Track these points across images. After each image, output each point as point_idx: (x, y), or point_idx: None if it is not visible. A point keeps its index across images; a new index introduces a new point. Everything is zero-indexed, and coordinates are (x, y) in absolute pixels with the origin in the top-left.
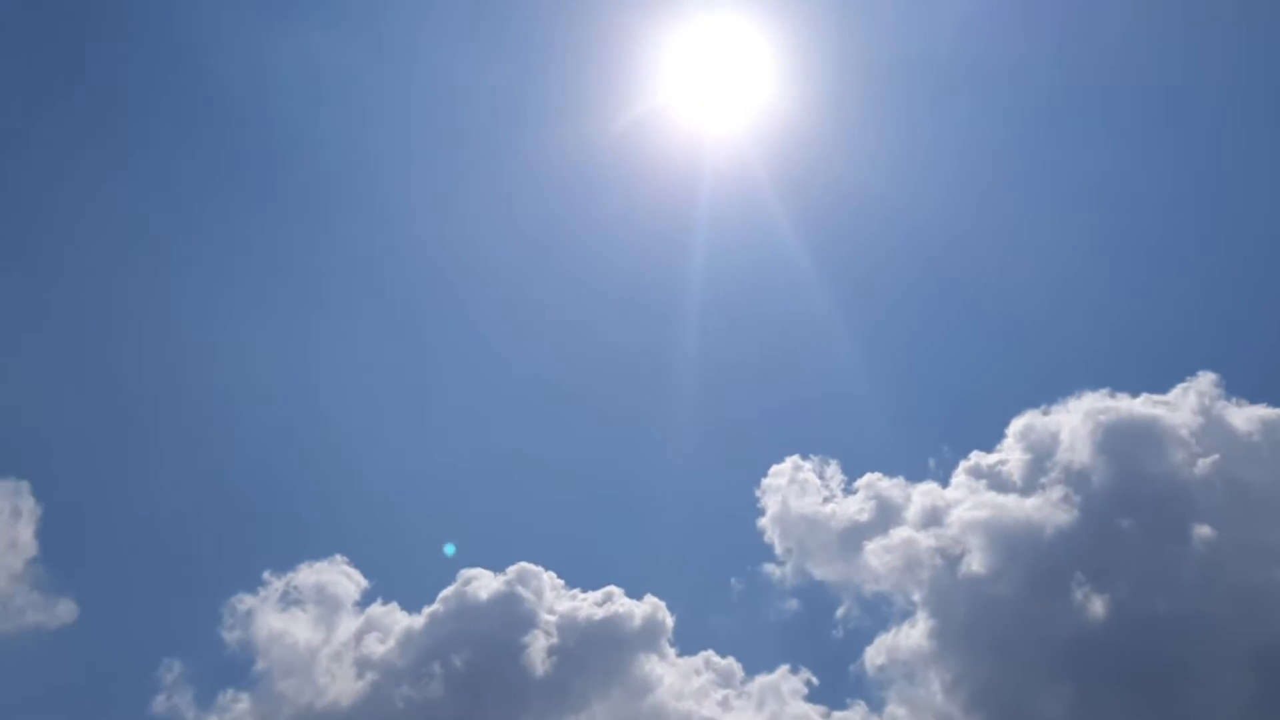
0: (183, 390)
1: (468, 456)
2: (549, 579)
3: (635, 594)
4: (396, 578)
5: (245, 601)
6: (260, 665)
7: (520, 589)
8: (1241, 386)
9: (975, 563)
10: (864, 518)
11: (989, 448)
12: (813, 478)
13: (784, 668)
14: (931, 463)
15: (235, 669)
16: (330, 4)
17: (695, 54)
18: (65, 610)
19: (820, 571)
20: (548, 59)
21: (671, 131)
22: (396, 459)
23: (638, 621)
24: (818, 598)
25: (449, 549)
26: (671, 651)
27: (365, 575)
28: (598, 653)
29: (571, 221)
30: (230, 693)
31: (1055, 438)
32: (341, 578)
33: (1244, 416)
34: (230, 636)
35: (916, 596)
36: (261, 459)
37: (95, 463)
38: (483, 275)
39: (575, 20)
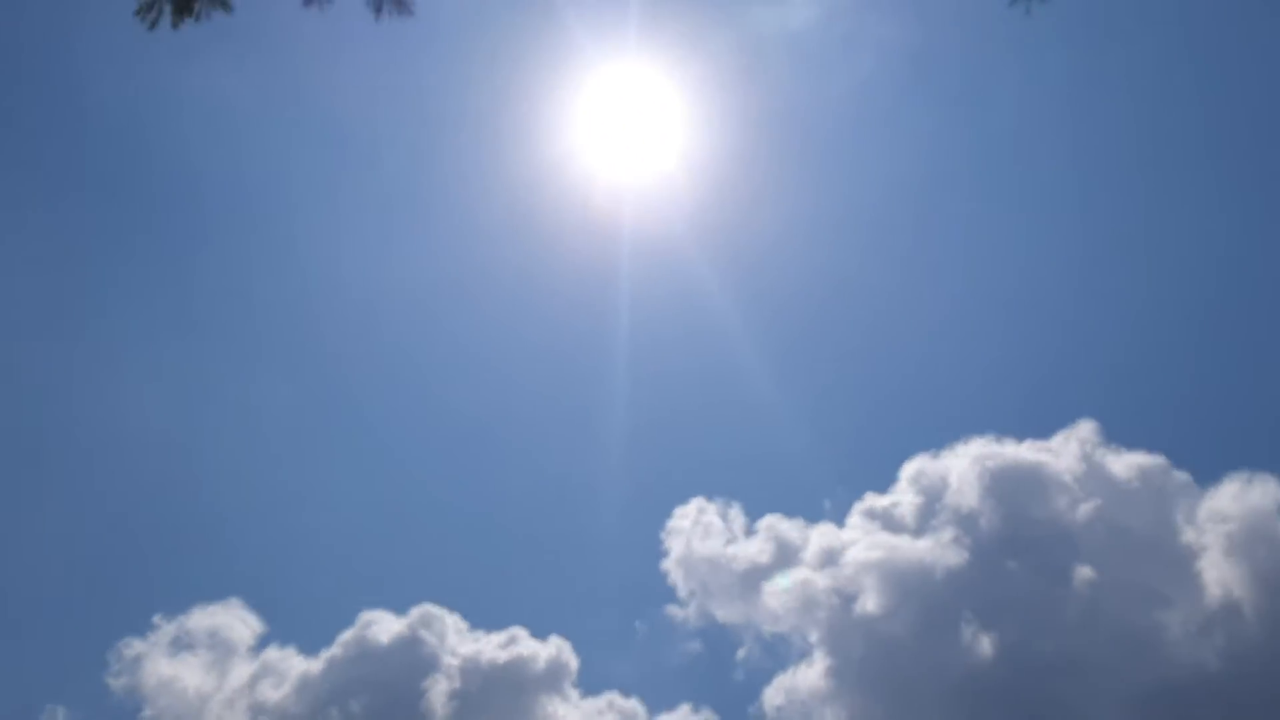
0: (67, 427)
1: (369, 497)
2: (452, 622)
3: (540, 635)
4: (294, 621)
5: (134, 646)
6: (148, 713)
7: (422, 632)
8: (1119, 433)
9: (870, 602)
10: (764, 559)
11: (883, 489)
12: (716, 520)
13: (686, 707)
14: (827, 504)
15: (122, 717)
16: (214, 38)
17: (611, 104)
18: None
19: (722, 613)
20: (462, 107)
21: (589, 180)
22: (295, 499)
23: (541, 663)
24: (719, 639)
25: None
26: (575, 693)
27: (261, 618)
28: (501, 695)
29: (481, 266)
30: None
31: (945, 481)
32: (236, 621)
33: (1123, 463)
34: (117, 683)
35: (814, 636)
36: (152, 499)
37: None
38: (392, 317)
39: (490, 69)
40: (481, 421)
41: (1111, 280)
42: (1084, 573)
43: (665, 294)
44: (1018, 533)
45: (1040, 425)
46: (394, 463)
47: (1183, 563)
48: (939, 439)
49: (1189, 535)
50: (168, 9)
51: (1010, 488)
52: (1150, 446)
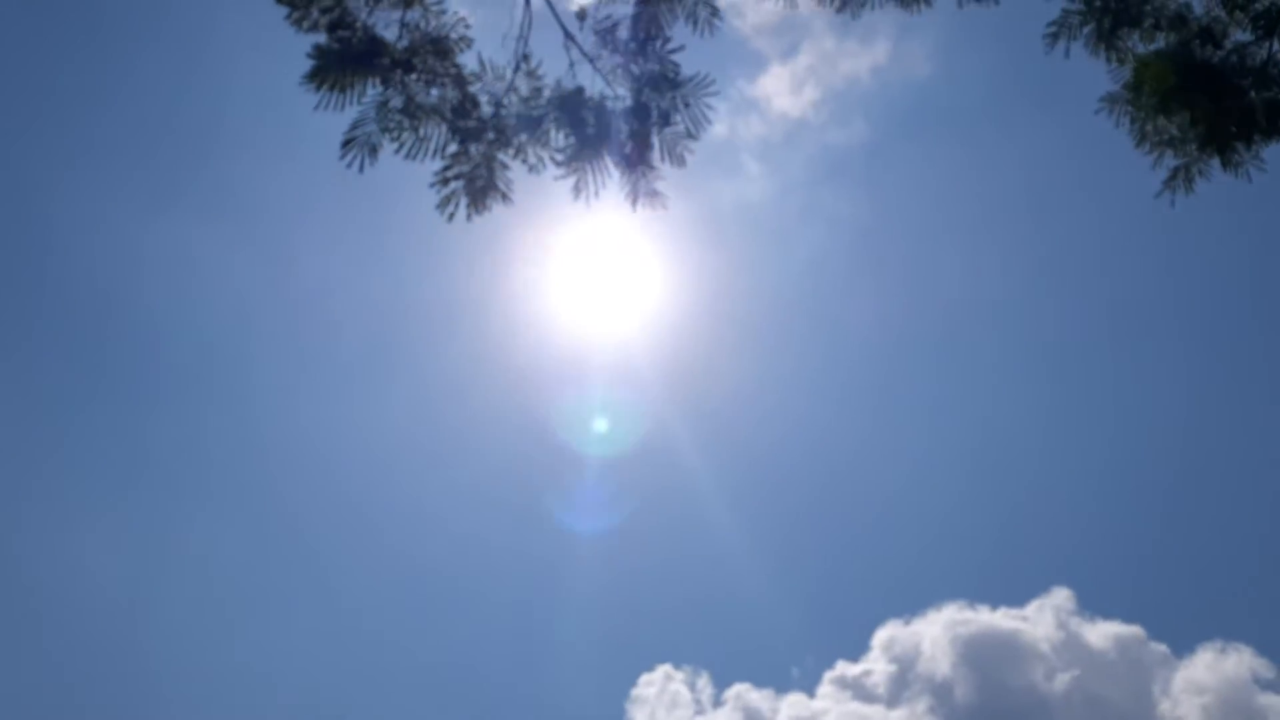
0: (20, 584)
1: (324, 660)
2: None
3: None
4: None
5: None
6: None
7: None
8: (1094, 602)
9: None
10: None
11: (854, 656)
12: (684, 689)
13: None
14: (795, 671)
15: None
16: (178, 193)
17: (582, 259)
18: None
19: None
20: (430, 262)
21: (554, 330)
22: (246, 660)
23: None
24: None
25: None
26: None
27: None
28: None
29: (444, 421)
30: None
31: (918, 649)
32: None
33: (1099, 632)
34: None
35: None
36: (107, 655)
37: None
38: (353, 475)
39: (456, 224)
40: (438, 583)
41: (1081, 442)
42: None
43: (624, 457)
44: (994, 703)
45: (1013, 592)
46: (354, 622)
47: None
48: (911, 605)
49: (1165, 707)
50: (464, 202)
51: (985, 656)
52: (1123, 614)
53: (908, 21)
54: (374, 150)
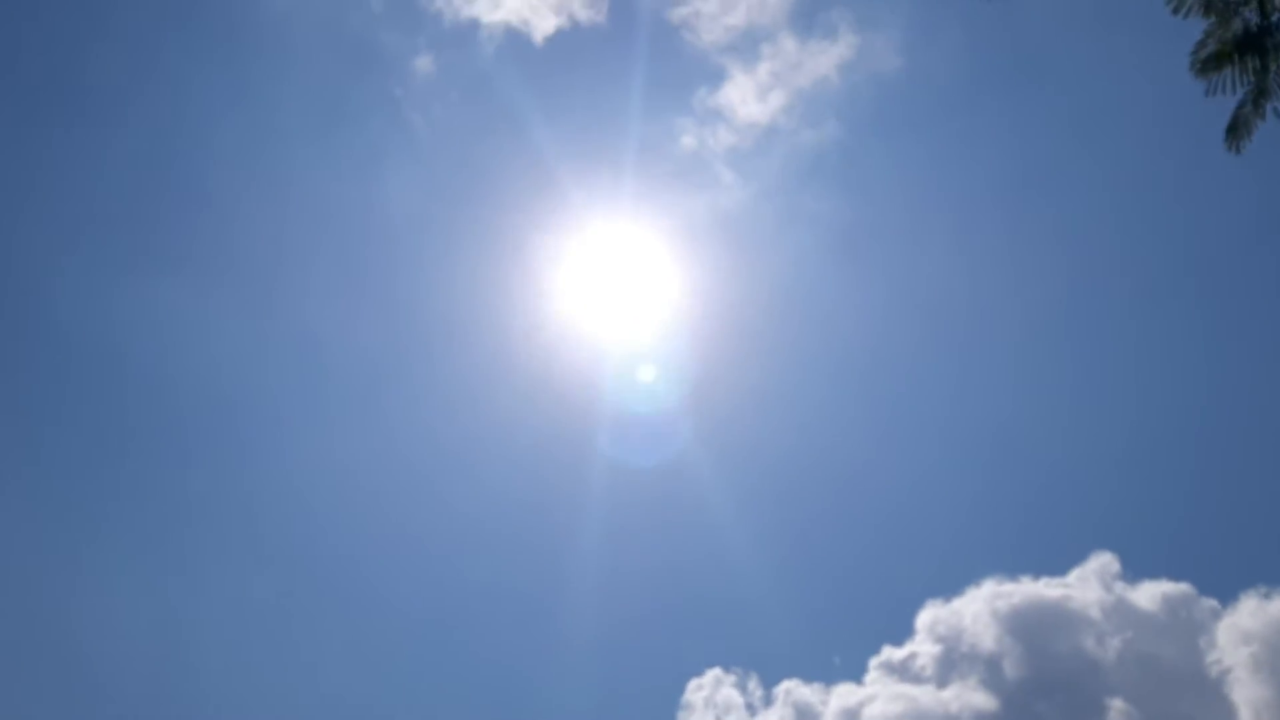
0: (41, 630)
1: (354, 692)
2: None
3: None
4: None
5: None
6: None
7: None
8: (1137, 565)
9: None
10: None
11: (898, 641)
12: (734, 692)
13: None
14: (838, 660)
15: None
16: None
17: (593, 264)
18: None
19: None
20: (437, 273)
21: (569, 343)
22: (274, 693)
23: None
24: None
25: None
26: None
27: None
28: None
29: (467, 435)
30: None
31: (962, 626)
32: None
33: (1146, 594)
34: None
35: None
36: (131, 697)
37: None
38: (380, 496)
39: (468, 232)
40: (477, 599)
41: (1108, 407)
42: (1117, 706)
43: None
44: (1045, 672)
45: (1053, 562)
46: (388, 647)
47: (1214, 689)
48: (951, 585)
49: (1214, 658)
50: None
51: (1031, 627)
52: (1169, 572)
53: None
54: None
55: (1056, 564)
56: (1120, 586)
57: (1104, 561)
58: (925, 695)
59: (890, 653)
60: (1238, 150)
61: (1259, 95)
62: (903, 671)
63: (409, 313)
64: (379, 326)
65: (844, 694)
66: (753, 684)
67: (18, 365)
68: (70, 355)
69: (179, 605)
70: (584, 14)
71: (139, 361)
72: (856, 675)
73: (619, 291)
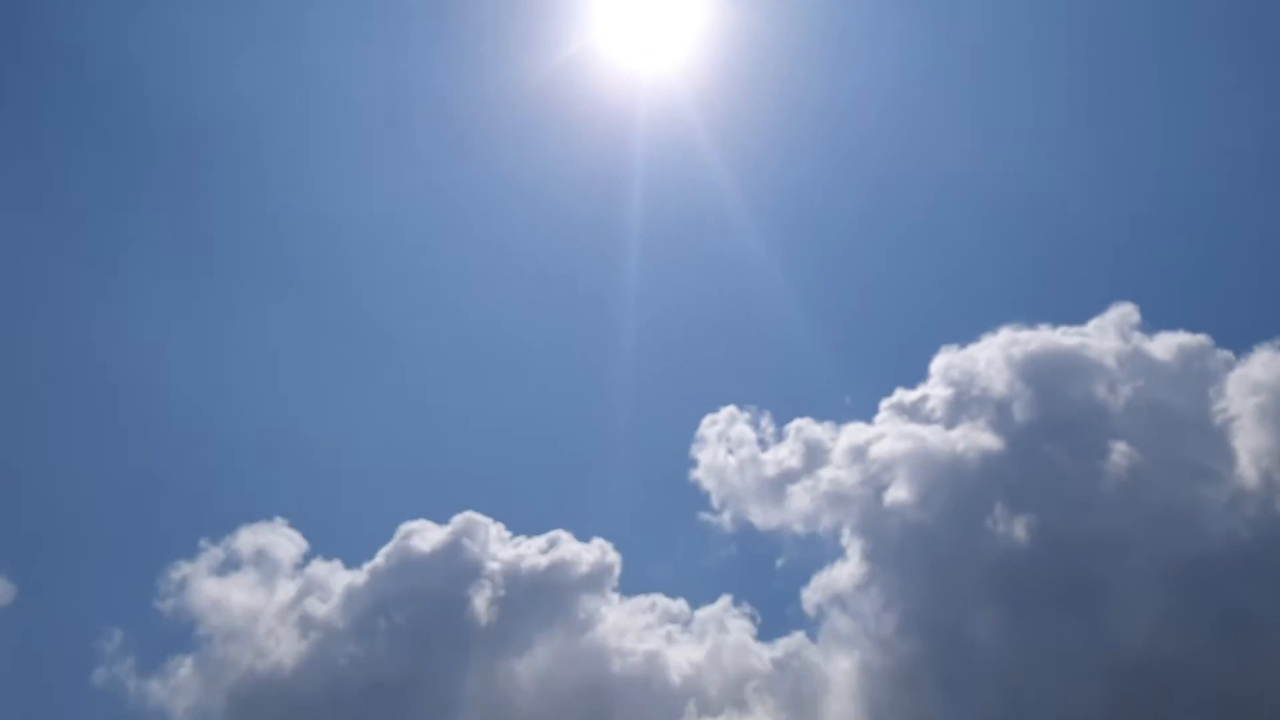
0: (103, 367)
1: (399, 412)
2: (494, 529)
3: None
4: (336, 536)
5: (183, 569)
6: (201, 631)
7: (464, 540)
8: (1158, 316)
9: (902, 492)
10: (795, 462)
11: (911, 385)
12: (747, 429)
13: (726, 599)
14: (848, 400)
15: (176, 637)
16: None
17: None
18: (1, 590)
19: (756, 518)
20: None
21: (601, 73)
22: (329, 418)
23: (584, 566)
24: (755, 544)
25: None
26: (615, 597)
27: (305, 536)
28: (545, 599)
29: (501, 170)
30: (175, 658)
31: (975, 372)
32: (282, 539)
33: (1162, 345)
34: (170, 605)
35: (847, 530)
36: (192, 428)
37: (20, 443)
38: (405, 231)
39: None
40: (511, 329)
41: (1131, 161)
42: (1120, 450)
43: (680, 196)
44: (1053, 416)
45: (1073, 311)
46: (420, 377)
47: (1218, 436)
48: (967, 331)
49: (1221, 406)
50: None
51: (1044, 374)
52: (1185, 325)
53: None
54: None
55: (1076, 314)
56: (1138, 337)
57: (1124, 312)
58: (933, 435)
59: (902, 395)
60: None
61: None
62: (913, 413)
63: (437, 47)
64: (406, 61)
65: (853, 432)
66: (765, 421)
67: (38, 91)
68: (90, 82)
69: (207, 337)
70: None
71: (161, 89)
72: (867, 416)
73: (650, 19)
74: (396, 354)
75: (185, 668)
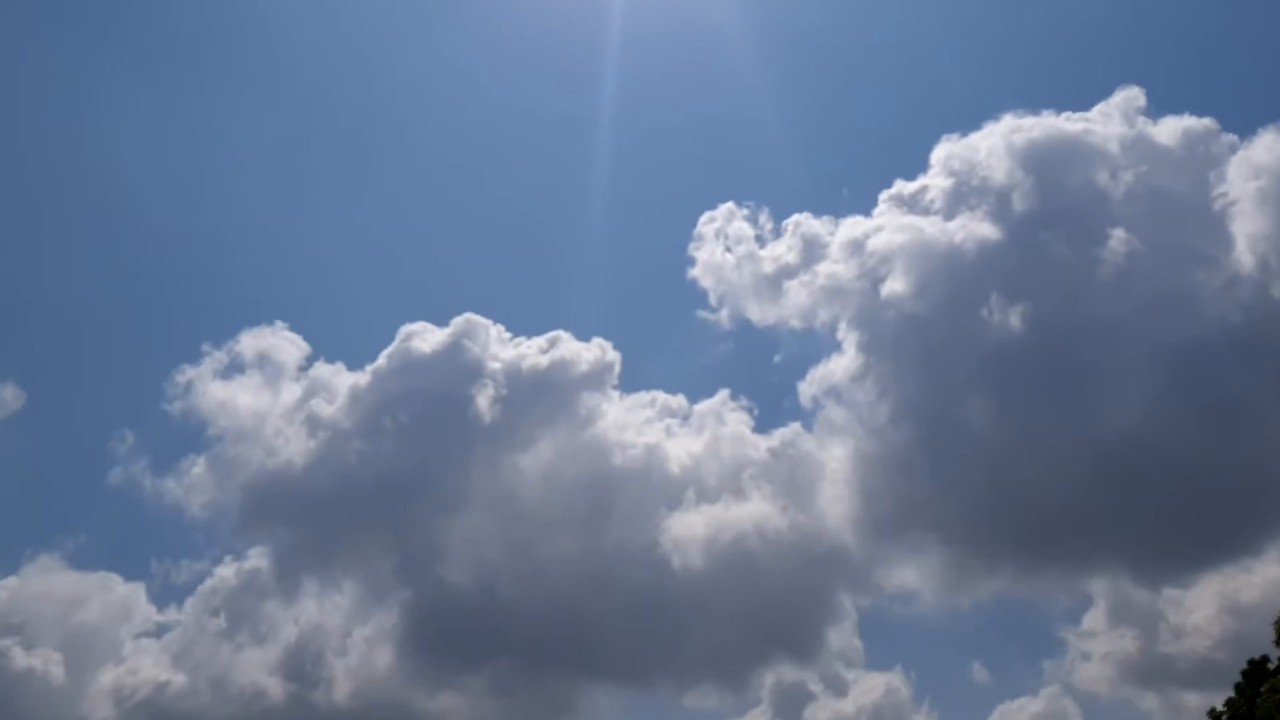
0: (100, 171)
1: (397, 215)
2: (496, 331)
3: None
4: (337, 339)
5: (187, 373)
6: (211, 432)
7: (464, 341)
8: (1164, 100)
9: (899, 284)
10: (792, 258)
11: (911, 176)
12: (744, 225)
13: (723, 393)
14: (846, 193)
15: (187, 438)
16: None
17: None
18: (12, 397)
19: (754, 314)
20: None
21: None
22: (324, 222)
23: (584, 365)
24: (753, 340)
25: None
26: (615, 394)
27: (306, 339)
28: (545, 397)
29: None
30: (187, 458)
31: (977, 160)
32: (283, 343)
33: (1167, 129)
34: (178, 408)
35: (843, 323)
36: (185, 234)
37: (19, 253)
38: (399, 12)
39: None
40: (504, 134)
41: None
42: (1118, 237)
43: None
44: (1053, 204)
45: (1078, 96)
46: (416, 178)
47: (1217, 221)
48: (969, 119)
49: (1221, 191)
50: None
51: (1046, 161)
52: (1191, 109)
53: None
54: None
55: (1081, 99)
56: (1143, 121)
57: (1129, 95)
58: (931, 226)
59: (901, 186)
60: None
61: None
62: (911, 204)
63: None
64: None
65: (851, 225)
66: (763, 218)
67: None
68: None
69: (194, 128)
70: None
71: None
72: (866, 209)
73: None
74: (391, 155)
75: (198, 466)
